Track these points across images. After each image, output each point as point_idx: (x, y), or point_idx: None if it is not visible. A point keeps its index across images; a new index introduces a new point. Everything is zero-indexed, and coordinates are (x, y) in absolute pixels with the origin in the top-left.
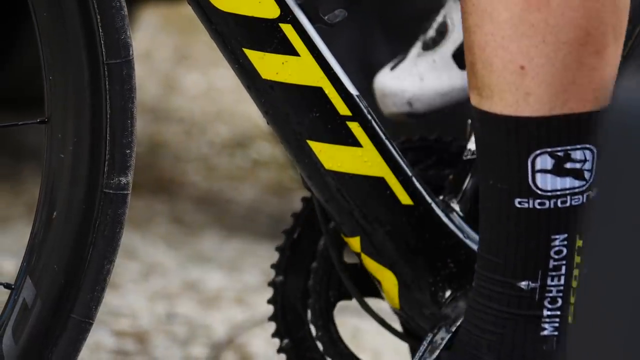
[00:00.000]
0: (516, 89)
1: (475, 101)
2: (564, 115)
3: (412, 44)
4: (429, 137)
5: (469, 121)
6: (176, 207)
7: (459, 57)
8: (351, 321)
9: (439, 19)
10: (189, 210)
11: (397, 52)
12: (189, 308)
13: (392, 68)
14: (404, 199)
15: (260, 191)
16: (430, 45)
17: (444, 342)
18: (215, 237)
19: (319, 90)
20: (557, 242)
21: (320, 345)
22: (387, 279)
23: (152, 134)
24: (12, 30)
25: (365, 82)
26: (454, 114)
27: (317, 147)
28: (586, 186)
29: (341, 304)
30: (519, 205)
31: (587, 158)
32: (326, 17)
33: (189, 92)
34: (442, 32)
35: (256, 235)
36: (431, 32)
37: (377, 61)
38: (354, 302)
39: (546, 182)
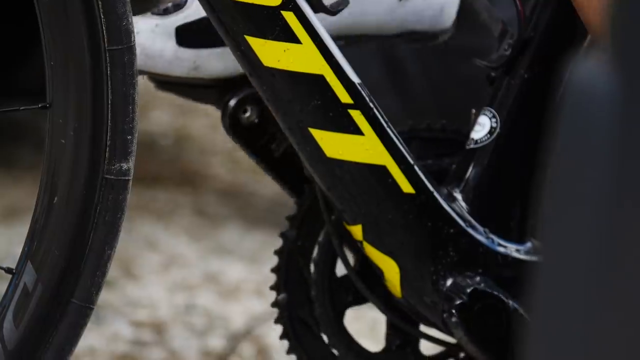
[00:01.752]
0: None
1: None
2: None
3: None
4: (434, 126)
5: (473, 110)
6: (200, 199)
7: (182, 34)
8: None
9: None
10: (212, 203)
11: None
12: (208, 299)
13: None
14: (406, 187)
15: None
16: (161, 12)
17: None
18: (237, 229)
19: (320, 78)
20: None
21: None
22: (389, 267)
23: (179, 127)
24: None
25: (386, 74)
26: (458, 103)
27: (318, 134)
28: None
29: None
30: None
31: None
32: (329, 5)
33: None
34: (179, 5)
35: (278, 228)
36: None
37: (400, 54)
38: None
39: None
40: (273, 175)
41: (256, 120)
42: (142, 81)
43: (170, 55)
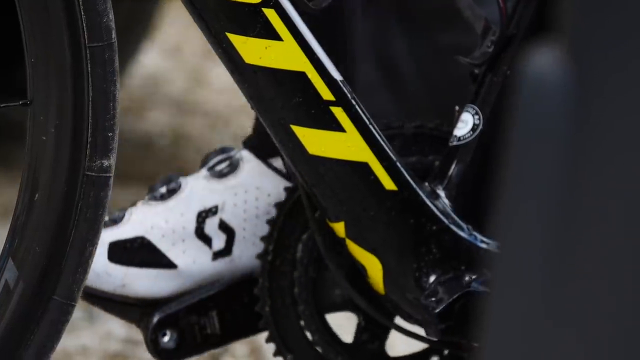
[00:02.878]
0: None
1: None
2: None
3: (429, 37)
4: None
5: (457, 107)
6: None
7: (114, 250)
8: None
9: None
10: None
11: (413, 44)
12: None
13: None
14: (388, 184)
15: None
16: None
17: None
18: None
19: (302, 75)
20: None
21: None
22: (372, 265)
23: (176, 126)
24: None
25: (381, 74)
26: (441, 99)
27: (300, 131)
28: None
29: None
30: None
31: None
32: (311, 3)
33: (215, 86)
34: (115, 220)
35: None
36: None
37: (394, 53)
38: None
39: None
40: None
41: (174, 346)
42: (138, 81)
43: (100, 269)
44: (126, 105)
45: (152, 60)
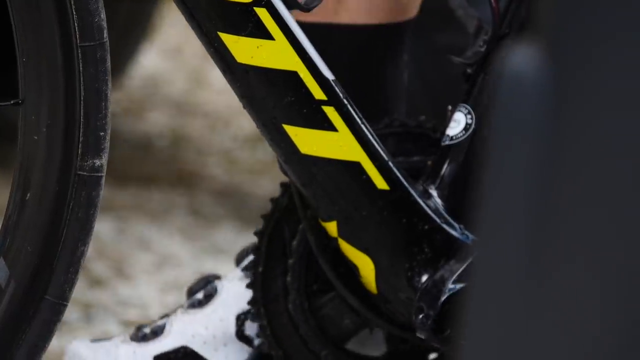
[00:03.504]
0: None
1: None
2: None
3: (427, 37)
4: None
5: (449, 107)
6: (195, 199)
7: None
8: None
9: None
10: (208, 203)
11: (411, 44)
12: None
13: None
14: (380, 183)
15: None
16: (140, 339)
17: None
18: (232, 229)
19: (294, 75)
20: None
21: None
22: (364, 264)
23: (176, 127)
24: None
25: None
26: (438, 99)
27: (292, 131)
28: None
29: None
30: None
31: None
32: (302, 2)
33: (215, 87)
34: (156, 332)
35: None
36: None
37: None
38: None
39: None
40: None
41: None
42: (137, 82)
43: None
44: (126, 106)
45: (152, 61)
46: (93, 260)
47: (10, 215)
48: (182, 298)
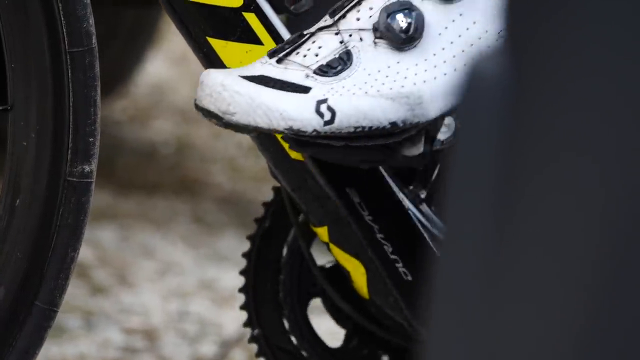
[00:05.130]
0: None
1: None
2: None
3: None
4: None
5: None
6: (198, 207)
7: None
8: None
9: None
10: (211, 211)
11: None
12: (202, 306)
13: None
14: None
15: None
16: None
17: None
18: (235, 236)
19: None
20: None
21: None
22: (356, 269)
23: (181, 135)
24: None
25: None
26: None
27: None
28: None
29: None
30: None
31: None
32: (292, 7)
33: None
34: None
35: None
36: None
37: None
38: None
39: None
40: None
41: None
42: (143, 90)
43: None
44: (131, 114)
45: (158, 69)
46: (95, 268)
47: None
48: (184, 306)
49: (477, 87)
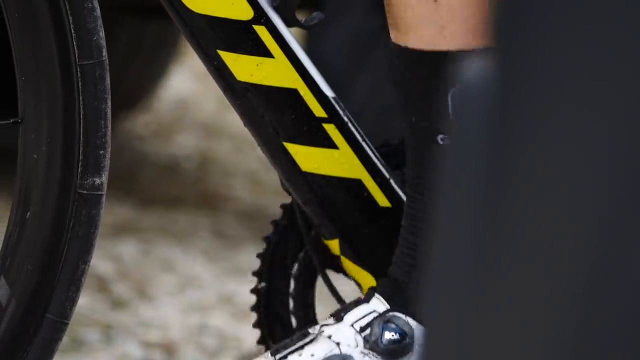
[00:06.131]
0: (431, 23)
1: (394, 36)
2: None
3: None
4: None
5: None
6: (219, 221)
7: None
8: None
9: None
10: (232, 225)
11: None
12: (222, 320)
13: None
14: (382, 201)
15: None
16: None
17: None
18: (255, 250)
19: (294, 92)
20: None
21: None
22: (367, 282)
23: (203, 149)
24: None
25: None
26: None
27: (293, 149)
28: None
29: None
30: (441, 142)
31: None
32: (302, 20)
33: None
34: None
35: None
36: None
37: None
38: None
39: None
40: None
41: None
42: (167, 105)
43: None
44: (154, 129)
45: (182, 84)
46: (115, 282)
47: (11, 234)
48: (204, 319)
49: (466, 92)
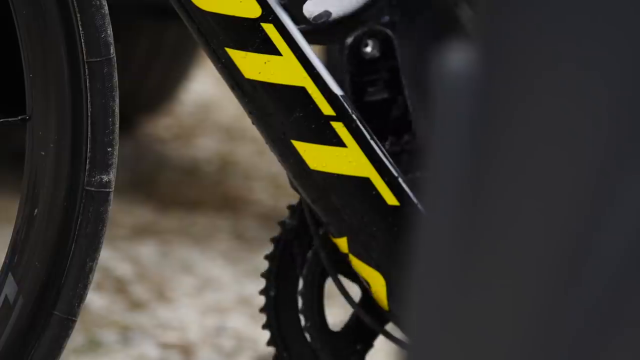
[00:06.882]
0: None
1: None
2: None
3: None
4: None
5: None
6: (239, 224)
7: None
8: None
9: None
10: (252, 227)
11: None
12: (240, 322)
13: None
14: (390, 199)
15: None
16: None
17: None
18: None
19: (302, 90)
20: None
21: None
22: (375, 281)
23: (225, 153)
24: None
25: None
26: None
27: (301, 147)
28: None
29: None
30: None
31: None
32: (310, 18)
33: None
34: None
35: None
36: None
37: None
38: None
39: None
40: None
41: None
42: (188, 108)
43: None
44: (175, 132)
45: (203, 87)
46: (134, 284)
47: (18, 231)
48: (222, 321)
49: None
